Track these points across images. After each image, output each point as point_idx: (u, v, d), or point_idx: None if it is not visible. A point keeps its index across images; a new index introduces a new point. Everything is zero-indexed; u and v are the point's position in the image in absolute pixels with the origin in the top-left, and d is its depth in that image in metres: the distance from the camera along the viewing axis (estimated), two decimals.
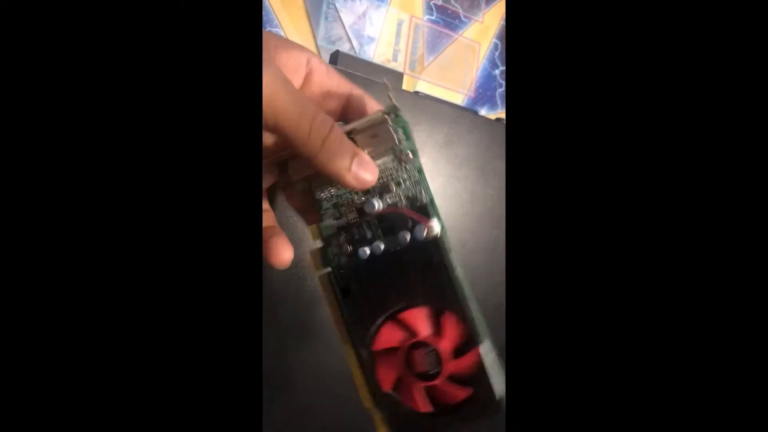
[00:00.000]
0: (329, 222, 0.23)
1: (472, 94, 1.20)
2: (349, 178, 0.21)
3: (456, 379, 0.22)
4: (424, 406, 0.22)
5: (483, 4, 1.20)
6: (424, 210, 0.22)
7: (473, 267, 0.45)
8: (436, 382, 0.21)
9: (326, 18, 1.03)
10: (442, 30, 1.16)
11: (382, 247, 0.22)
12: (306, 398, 0.38)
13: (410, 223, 0.22)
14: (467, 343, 0.21)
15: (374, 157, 0.22)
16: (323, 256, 0.23)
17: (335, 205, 0.23)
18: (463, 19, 1.18)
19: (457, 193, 0.45)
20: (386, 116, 0.22)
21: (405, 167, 0.22)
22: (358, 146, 0.22)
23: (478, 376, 0.21)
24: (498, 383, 0.22)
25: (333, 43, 1.02)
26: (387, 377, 0.22)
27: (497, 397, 0.21)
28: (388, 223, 0.22)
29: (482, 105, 1.21)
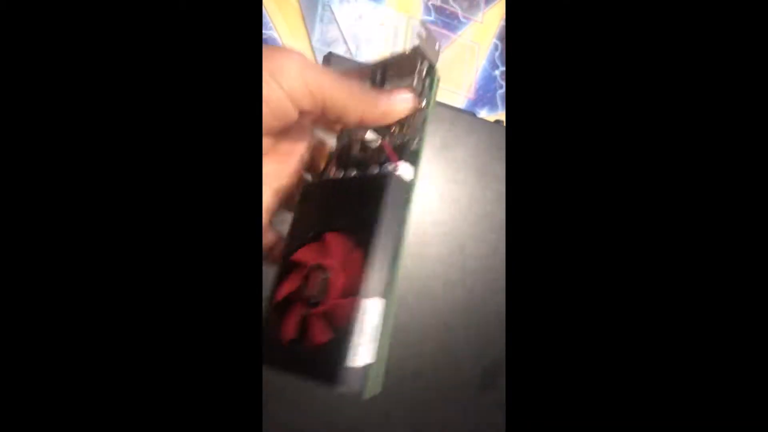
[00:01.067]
0: (333, 149, 0.25)
1: (471, 96, 1.19)
2: (378, 116, 0.22)
3: (328, 320, 0.19)
4: (289, 333, 0.20)
5: (482, 5, 1.19)
6: (404, 151, 0.22)
7: (471, 272, 0.44)
8: (313, 311, 0.19)
9: (321, 20, 1.02)
10: (441, 31, 1.15)
11: (353, 173, 0.23)
12: (306, 398, 0.37)
13: (383, 158, 0.22)
14: (356, 289, 0.19)
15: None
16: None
17: (350, 136, 0.24)
18: (462, 19, 1.17)
19: (455, 197, 0.44)
20: (419, 55, 0.23)
21: (414, 114, 0.23)
22: (386, 80, 0.23)
23: (342, 330, 0.18)
24: (362, 351, 0.18)
25: (329, 45, 1.02)
26: (285, 288, 0.21)
27: (343, 366, 0.18)
28: (369, 154, 0.23)
29: (482, 106, 1.20)
